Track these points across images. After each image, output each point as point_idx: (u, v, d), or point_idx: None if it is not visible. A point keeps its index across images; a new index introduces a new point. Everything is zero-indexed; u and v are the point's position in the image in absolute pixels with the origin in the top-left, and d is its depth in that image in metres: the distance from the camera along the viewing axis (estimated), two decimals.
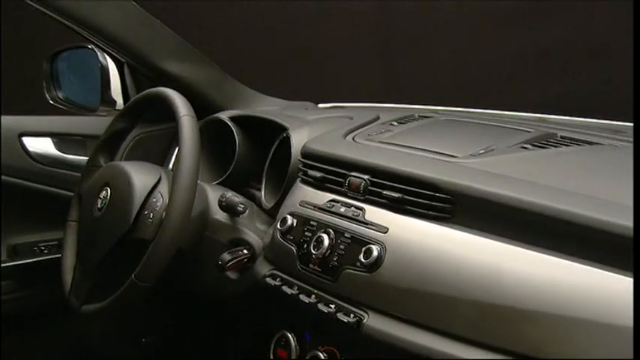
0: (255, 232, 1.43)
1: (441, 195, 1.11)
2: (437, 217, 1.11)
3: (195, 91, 1.77)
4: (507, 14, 2.58)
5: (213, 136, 1.69)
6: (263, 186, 1.52)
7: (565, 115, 1.74)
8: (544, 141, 1.26)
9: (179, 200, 1.24)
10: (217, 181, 1.62)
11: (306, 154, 1.38)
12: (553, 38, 2.51)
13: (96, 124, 1.82)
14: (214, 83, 1.82)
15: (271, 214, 1.45)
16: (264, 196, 1.51)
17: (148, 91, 1.46)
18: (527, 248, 0.99)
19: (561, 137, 1.29)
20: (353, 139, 1.39)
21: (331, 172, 1.29)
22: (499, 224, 1.04)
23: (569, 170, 1.14)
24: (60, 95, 1.91)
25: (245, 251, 1.40)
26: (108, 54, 1.75)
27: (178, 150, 1.29)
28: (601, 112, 1.70)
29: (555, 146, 1.23)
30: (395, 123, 1.47)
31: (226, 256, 1.36)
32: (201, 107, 1.75)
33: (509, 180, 1.08)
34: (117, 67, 1.79)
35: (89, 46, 1.79)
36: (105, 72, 1.81)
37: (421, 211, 1.12)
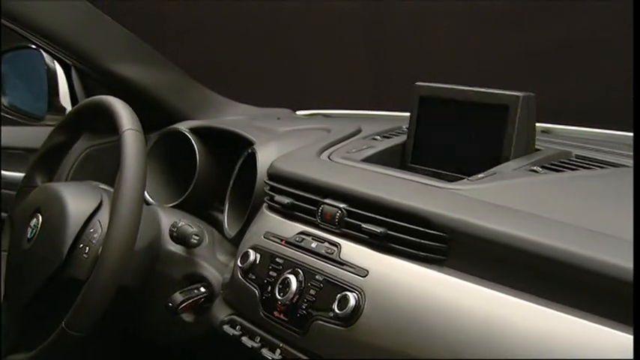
0: (214, 266, 1.23)
1: (433, 231, 0.90)
2: (427, 259, 0.90)
3: (153, 97, 1.56)
4: (502, 14, 2.38)
5: (170, 151, 1.48)
6: (226, 210, 1.31)
7: (568, 124, 1.52)
8: (557, 162, 1.05)
9: (118, 232, 1.03)
10: (174, 203, 1.40)
11: (273, 174, 1.17)
12: (552, 39, 2.30)
13: (41, 135, 1.60)
14: (175, 88, 1.61)
15: (236, 243, 1.24)
16: (227, 223, 1.30)
17: (88, 99, 1.26)
18: (538, 302, 0.79)
19: (577, 157, 1.08)
20: (328, 157, 1.18)
21: (301, 198, 1.09)
22: (503, 269, 0.83)
23: (590, 201, 0.93)
24: (4, 101, 1.70)
25: (202, 289, 1.20)
26: (52, 56, 1.54)
27: (119, 171, 1.08)
28: (606, 120, 1.49)
29: (571, 169, 1.02)
30: (378, 137, 1.26)
31: (178, 297, 1.16)
32: (161, 116, 1.55)
33: (516, 214, 0.87)
34: (64, 70, 1.58)
35: (34, 47, 1.58)
36: (52, 76, 1.61)
37: (408, 250, 0.92)
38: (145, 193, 1.44)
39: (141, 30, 1.63)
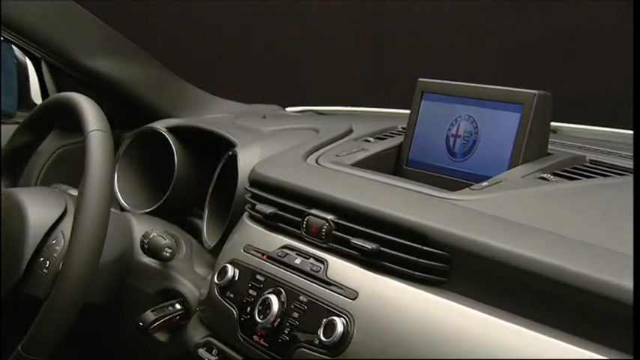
0: (191, 280, 1.12)
1: (432, 249, 0.79)
2: (425, 280, 0.79)
3: (129, 93, 1.46)
4: (501, 7, 2.27)
5: (147, 152, 1.37)
6: (205, 218, 1.20)
7: (577, 123, 1.41)
8: (570, 168, 0.94)
9: (81, 245, 0.92)
10: (151, 209, 1.29)
11: (255, 180, 1.06)
12: (553, 31, 2.19)
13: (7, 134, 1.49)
14: (154, 84, 1.50)
15: (215, 254, 1.13)
16: (206, 232, 1.19)
17: (53, 96, 1.15)
18: (552, 334, 0.68)
19: (592, 162, 0.97)
20: (316, 161, 1.07)
21: (285, 207, 0.98)
22: (511, 294, 0.73)
23: (609, 214, 0.82)
24: None
25: (177, 306, 1.09)
26: (20, 48, 1.43)
27: (83, 176, 0.97)
28: (615, 117, 1.38)
29: (586, 176, 0.91)
30: (371, 139, 1.15)
31: (150, 316, 1.05)
32: (138, 113, 1.44)
33: (526, 231, 0.76)
34: (34, 64, 1.47)
35: (2, 39, 1.47)
36: (22, 70, 1.50)
37: (404, 270, 0.81)
38: (119, 197, 1.34)
39: (124, 22, 1.52)
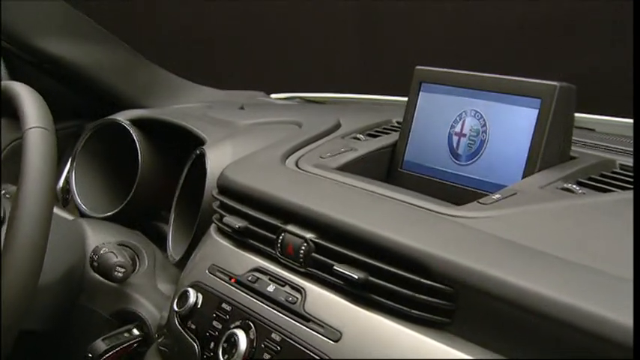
0: (152, 300, 0.98)
1: (433, 283, 0.63)
2: (424, 321, 0.64)
3: (94, 79, 1.32)
4: None
5: (108, 147, 1.21)
6: (170, 227, 1.05)
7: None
8: (598, 176, 0.78)
9: (14, 264, 0.78)
10: (112, 213, 1.14)
11: (224, 187, 0.90)
12: (565, 9, 2.02)
13: None
14: (121, 69, 1.35)
15: (182, 268, 0.98)
16: (172, 243, 1.04)
17: None
18: None
19: (623, 168, 0.81)
20: (296, 164, 0.91)
21: (257, 221, 0.82)
22: (531, 343, 0.58)
23: None
24: None
25: (135, 331, 0.94)
26: None
27: (19, 182, 0.81)
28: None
29: (619, 186, 0.76)
30: (361, 136, 0.99)
31: (100, 346, 0.91)
32: (104, 102, 1.29)
33: (551, 264, 0.61)
34: None
35: None
36: None
37: (397, 307, 0.66)
38: (77, 199, 1.18)
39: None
